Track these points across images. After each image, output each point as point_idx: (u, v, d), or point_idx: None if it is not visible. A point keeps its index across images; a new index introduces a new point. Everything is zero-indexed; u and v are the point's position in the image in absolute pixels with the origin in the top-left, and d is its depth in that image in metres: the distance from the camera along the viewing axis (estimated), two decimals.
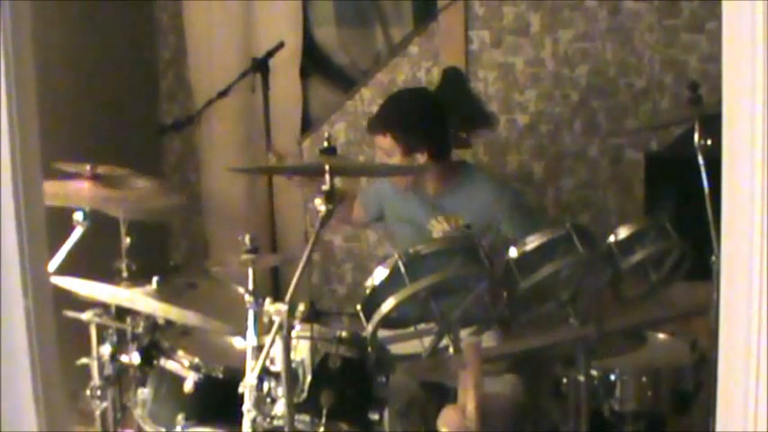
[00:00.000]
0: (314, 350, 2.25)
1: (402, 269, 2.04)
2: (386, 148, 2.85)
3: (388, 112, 2.94)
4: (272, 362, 2.12)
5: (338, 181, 2.14)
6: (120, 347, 2.61)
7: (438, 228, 2.91)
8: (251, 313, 2.21)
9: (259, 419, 2.10)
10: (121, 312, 2.60)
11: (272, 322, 2.05)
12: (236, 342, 2.59)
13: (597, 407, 2.46)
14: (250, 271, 2.23)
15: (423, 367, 2.33)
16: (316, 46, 4.13)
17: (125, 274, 2.65)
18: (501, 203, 2.86)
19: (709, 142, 2.36)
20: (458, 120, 3.46)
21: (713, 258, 2.27)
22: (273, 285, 3.70)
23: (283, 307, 2.01)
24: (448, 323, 2.07)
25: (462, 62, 3.85)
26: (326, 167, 2.11)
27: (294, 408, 2.11)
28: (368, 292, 2.08)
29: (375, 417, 2.28)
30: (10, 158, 1.38)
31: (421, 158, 2.85)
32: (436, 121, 2.93)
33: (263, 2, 4.12)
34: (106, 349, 2.61)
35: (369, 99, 4.02)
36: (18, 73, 1.38)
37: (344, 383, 2.26)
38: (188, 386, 2.41)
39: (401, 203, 3.03)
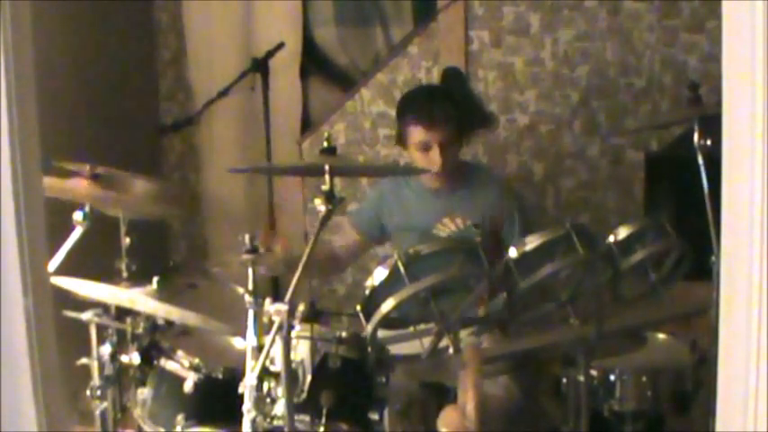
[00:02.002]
0: (314, 350, 2.25)
1: (402, 269, 2.04)
2: (438, 141, 2.81)
3: (441, 105, 2.88)
4: (272, 362, 2.12)
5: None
6: (120, 347, 2.61)
7: (445, 231, 2.91)
8: (251, 313, 2.21)
9: (259, 419, 2.10)
10: (121, 312, 2.59)
11: (272, 322, 2.05)
12: (236, 342, 2.59)
13: (597, 407, 2.46)
14: (250, 271, 2.23)
15: (423, 367, 2.33)
16: (316, 46, 4.13)
17: (125, 274, 2.65)
18: (509, 203, 2.87)
19: (709, 142, 2.36)
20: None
21: (713, 258, 2.27)
22: (273, 285, 3.69)
23: (283, 307, 2.01)
24: (448, 323, 2.07)
25: (462, 62, 3.85)
26: (326, 167, 2.11)
27: (294, 408, 2.11)
28: (368, 292, 2.08)
29: (375, 417, 2.28)
30: (10, 158, 1.38)
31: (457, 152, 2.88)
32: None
33: (263, 2, 4.11)
34: (106, 349, 2.60)
35: (369, 99, 4.02)
36: (18, 73, 1.38)
37: (344, 383, 2.26)
38: (188, 386, 2.41)
39: (407, 207, 3.01)
